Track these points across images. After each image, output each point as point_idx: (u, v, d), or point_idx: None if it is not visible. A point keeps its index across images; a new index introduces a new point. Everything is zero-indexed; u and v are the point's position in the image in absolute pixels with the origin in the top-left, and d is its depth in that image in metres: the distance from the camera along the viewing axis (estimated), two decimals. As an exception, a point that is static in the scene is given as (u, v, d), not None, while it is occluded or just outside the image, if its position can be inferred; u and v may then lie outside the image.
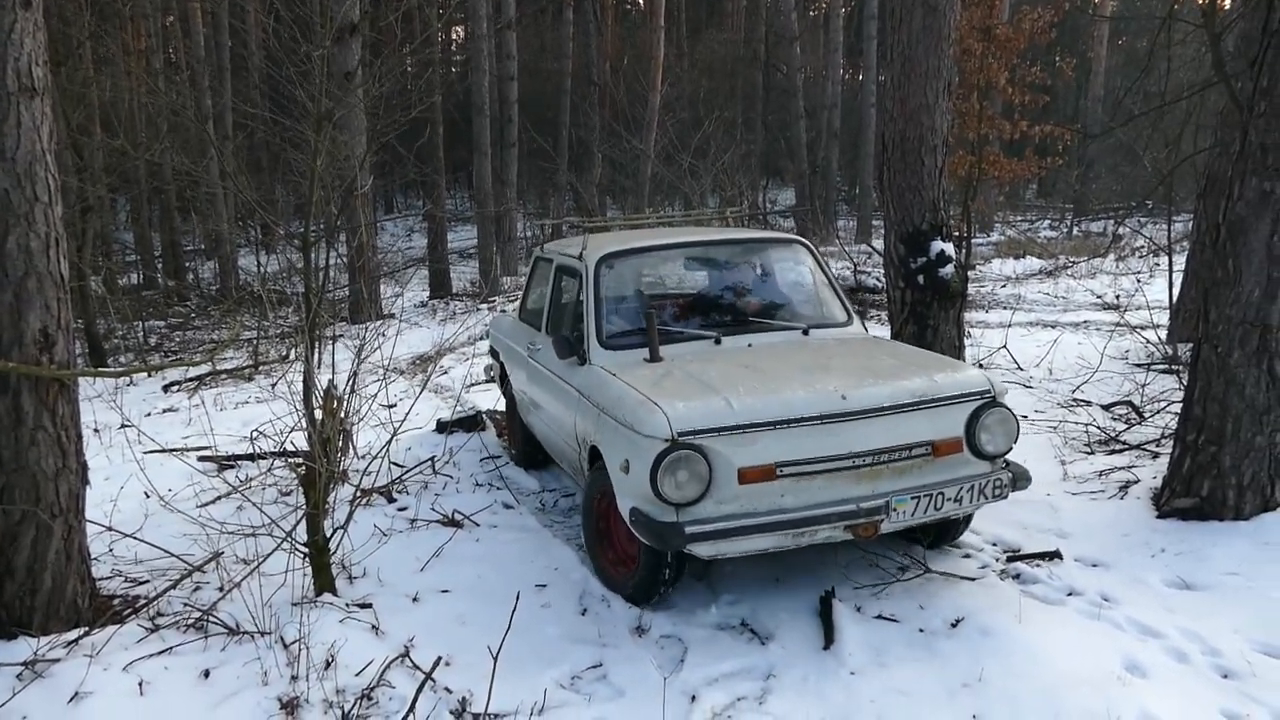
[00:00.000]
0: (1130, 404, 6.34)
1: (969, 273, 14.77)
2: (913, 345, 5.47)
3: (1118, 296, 11.44)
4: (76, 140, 11.31)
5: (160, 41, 22.05)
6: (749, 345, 4.50)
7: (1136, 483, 4.90)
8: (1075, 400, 6.67)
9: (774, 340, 4.62)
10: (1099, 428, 5.86)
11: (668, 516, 3.48)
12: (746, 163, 23.88)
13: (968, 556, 4.24)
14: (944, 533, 4.30)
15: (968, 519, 4.28)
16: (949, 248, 5.46)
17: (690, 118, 21.38)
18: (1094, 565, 4.10)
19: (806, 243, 5.31)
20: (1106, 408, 6.42)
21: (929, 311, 5.50)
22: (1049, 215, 26.74)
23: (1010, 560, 4.17)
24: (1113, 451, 5.50)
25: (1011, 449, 3.87)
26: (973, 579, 3.92)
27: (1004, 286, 14.33)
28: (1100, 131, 14.86)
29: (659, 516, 3.48)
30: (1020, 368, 7.90)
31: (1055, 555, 4.15)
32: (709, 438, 3.50)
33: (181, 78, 18.92)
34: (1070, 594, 3.83)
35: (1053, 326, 10.22)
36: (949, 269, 5.47)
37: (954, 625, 3.56)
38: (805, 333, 4.68)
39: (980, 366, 7.81)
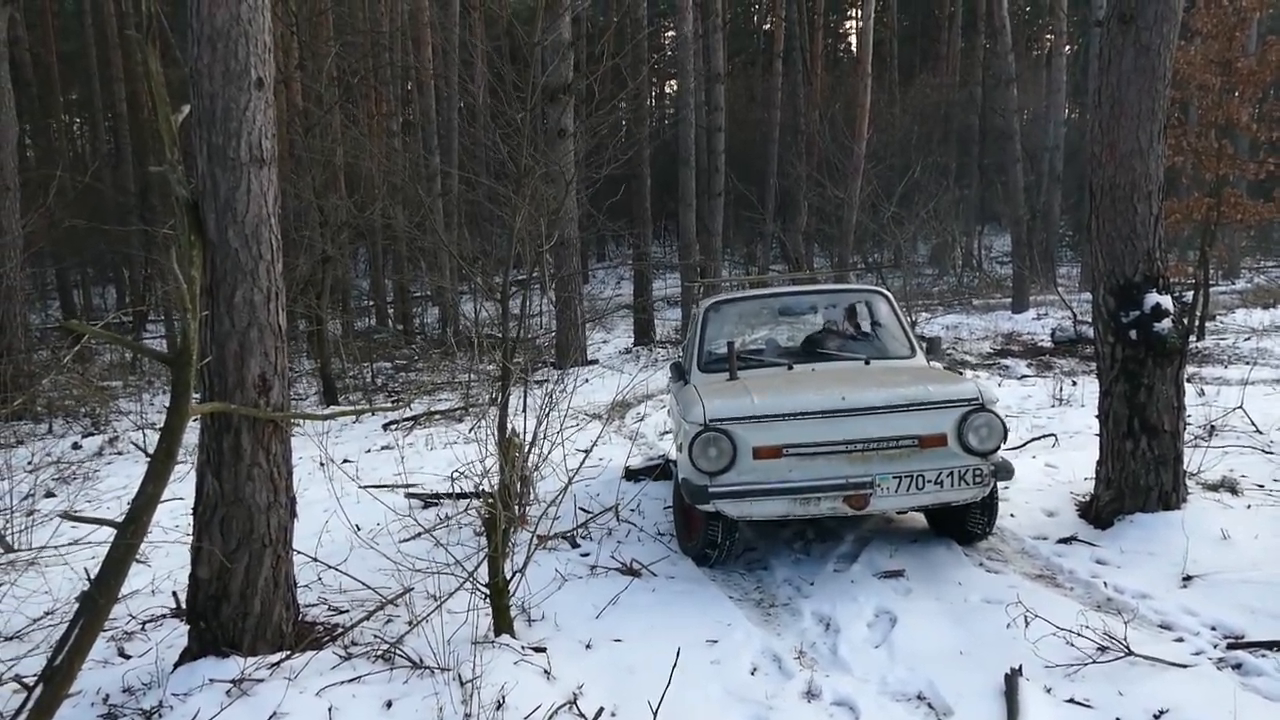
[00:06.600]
0: (1393, 477, 5.57)
1: (1206, 324, 13.56)
2: (1124, 405, 5.12)
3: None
4: (320, 199, 12.45)
5: (400, 106, 24.06)
6: (813, 369, 5.52)
7: (1394, 568, 4.28)
8: (1324, 470, 5.93)
9: (836, 366, 5.61)
10: (1352, 503, 5.18)
11: (702, 481, 4.55)
12: (958, 208, 23.11)
13: (1180, 640, 3.84)
14: (964, 526, 4.94)
15: (989, 518, 4.90)
16: (1166, 301, 5.03)
17: (900, 164, 20.96)
18: (1334, 661, 3.61)
19: (885, 292, 6.29)
20: (1363, 480, 5.67)
21: (1142, 370, 5.06)
22: (1308, 260, 24.20)
23: (1231, 647, 3.74)
24: (1367, 531, 4.83)
25: (998, 448, 4.57)
26: (1184, 666, 3.54)
27: (1247, 339, 13.03)
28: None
29: (696, 481, 4.56)
30: (1259, 430, 7.12)
31: (1286, 646, 3.70)
32: (732, 424, 4.57)
33: (414, 139, 20.51)
34: (1301, 692, 3.39)
35: (1303, 385, 9.17)
36: (1166, 324, 5.03)
37: (1156, 717, 3.23)
38: (866, 362, 5.62)
39: (1212, 429, 7.13)
